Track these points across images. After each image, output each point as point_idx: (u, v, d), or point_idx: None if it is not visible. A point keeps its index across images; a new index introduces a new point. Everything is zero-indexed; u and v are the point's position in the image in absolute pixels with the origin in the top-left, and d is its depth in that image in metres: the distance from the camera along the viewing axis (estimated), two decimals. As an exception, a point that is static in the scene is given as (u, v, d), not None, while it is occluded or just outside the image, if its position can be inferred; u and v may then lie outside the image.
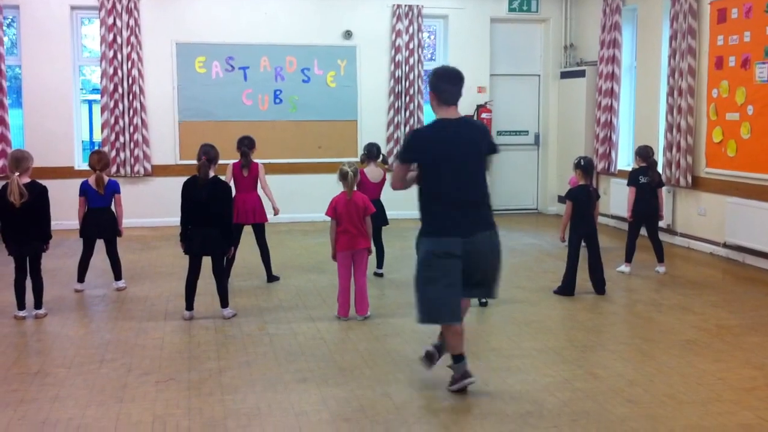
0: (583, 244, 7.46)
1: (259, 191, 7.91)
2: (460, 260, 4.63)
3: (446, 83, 4.73)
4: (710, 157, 9.45)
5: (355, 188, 6.50)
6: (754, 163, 8.68)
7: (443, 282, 4.66)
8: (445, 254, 4.63)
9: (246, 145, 7.81)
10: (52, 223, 6.65)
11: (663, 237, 8.57)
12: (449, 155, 4.65)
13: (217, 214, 6.47)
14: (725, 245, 9.16)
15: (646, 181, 8.26)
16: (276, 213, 8.07)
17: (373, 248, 7.29)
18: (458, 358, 4.90)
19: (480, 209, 4.74)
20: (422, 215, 4.82)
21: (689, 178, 9.67)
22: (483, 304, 6.93)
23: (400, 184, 4.90)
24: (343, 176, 6.48)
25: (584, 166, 7.48)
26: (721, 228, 9.17)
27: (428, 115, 12.62)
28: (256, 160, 7.90)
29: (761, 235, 8.47)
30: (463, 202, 4.67)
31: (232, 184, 7.48)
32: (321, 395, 4.88)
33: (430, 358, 5.06)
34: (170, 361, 5.53)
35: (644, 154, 8.41)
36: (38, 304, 6.67)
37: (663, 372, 5.28)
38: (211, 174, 6.51)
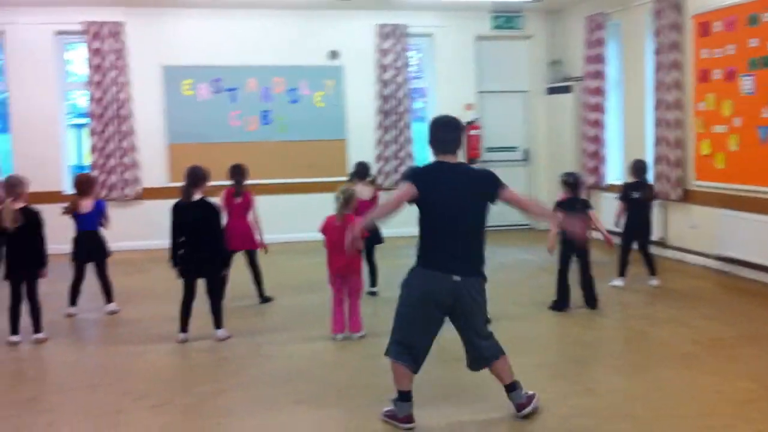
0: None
1: (250, 218, 7.89)
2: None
3: (441, 132, 4.59)
4: (699, 170, 9.50)
5: (349, 211, 6.49)
6: (742, 174, 8.73)
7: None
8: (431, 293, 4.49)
9: (239, 173, 7.82)
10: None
11: (655, 250, 8.59)
12: (445, 196, 4.44)
13: (209, 234, 6.46)
14: (717, 257, 9.20)
15: (638, 197, 8.29)
16: (264, 248, 7.91)
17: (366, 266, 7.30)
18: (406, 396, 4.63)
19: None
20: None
21: (679, 191, 9.72)
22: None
23: (393, 207, 4.55)
24: (336, 200, 6.49)
25: (572, 184, 7.44)
26: (713, 240, 9.20)
27: (417, 133, 12.67)
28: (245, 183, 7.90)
29: (753, 246, 8.51)
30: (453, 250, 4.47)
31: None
32: (317, 416, 4.85)
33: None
34: (165, 385, 5.50)
35: (637, 169, 8.43)
36: (37, 328, 6.65)
37: (659, 386, 5.27)
38: (199, 196, 6.49)
